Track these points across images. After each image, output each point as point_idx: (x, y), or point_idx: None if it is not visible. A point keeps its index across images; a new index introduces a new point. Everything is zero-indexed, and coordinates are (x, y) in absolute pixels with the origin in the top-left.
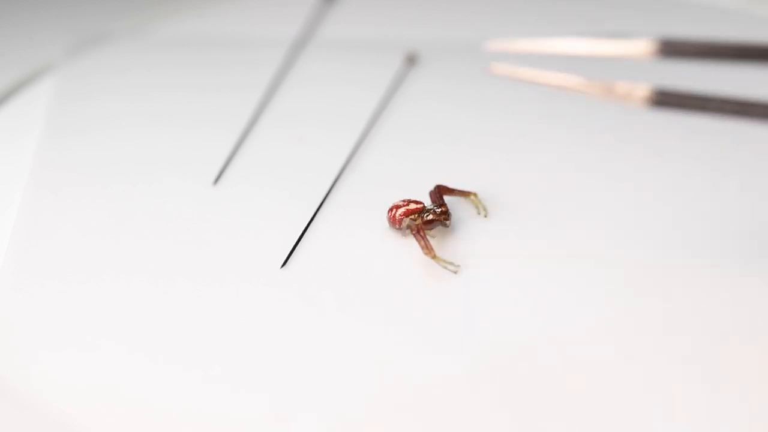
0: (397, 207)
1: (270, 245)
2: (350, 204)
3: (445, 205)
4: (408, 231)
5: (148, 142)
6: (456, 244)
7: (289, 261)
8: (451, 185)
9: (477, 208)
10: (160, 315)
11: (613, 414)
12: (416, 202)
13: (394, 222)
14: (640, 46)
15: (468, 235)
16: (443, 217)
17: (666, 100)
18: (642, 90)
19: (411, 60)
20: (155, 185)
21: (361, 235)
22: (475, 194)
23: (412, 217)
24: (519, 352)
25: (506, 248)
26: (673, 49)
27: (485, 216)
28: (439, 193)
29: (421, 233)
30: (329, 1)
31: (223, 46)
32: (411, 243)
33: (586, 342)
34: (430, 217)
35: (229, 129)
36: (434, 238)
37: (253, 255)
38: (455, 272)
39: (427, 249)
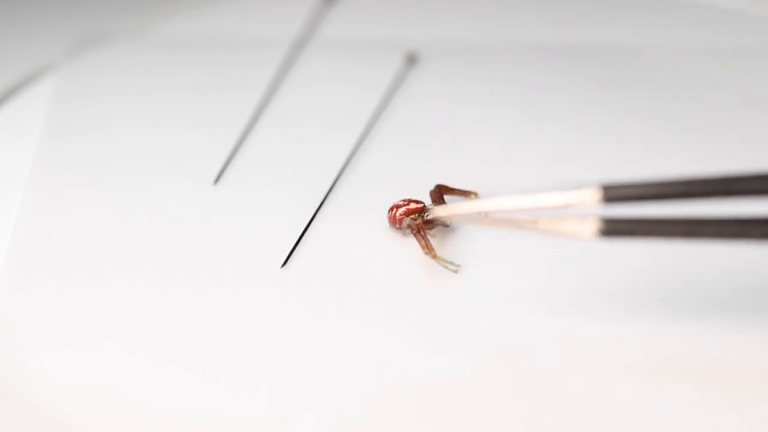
0: (398, 207)
1: (270, 245)
2: (350, 204)
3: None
4: (408, 231)
5: (148, 142)
6: (456, 244)
7: (289, 261)
8: (451, 185)
9: None
10: (160, 315)
11: (613, 414)
12: (416, 202)
13: (395, 222)
14: (586, 196)
15: (468, 235)
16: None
17: (616, 229)
18: (591, 223)
19: (411, 60)
20: (155, 185)
21: (361, 235)
22: (475, 194)
23: (413, 216)
24: (519, 352)
25: (506, 248)
26: (618, 195)
27: (485, 216)
28: (440, 192)
29: (422, 233)
30: (329, 1)
31: (223, 46)
32: (411, 243)
33: (587, 342)
34: (431, 216)
35: (229, 129)
36: (434, 237)
37: (253, 255)
38: (455, 272)
39: (428, 249)
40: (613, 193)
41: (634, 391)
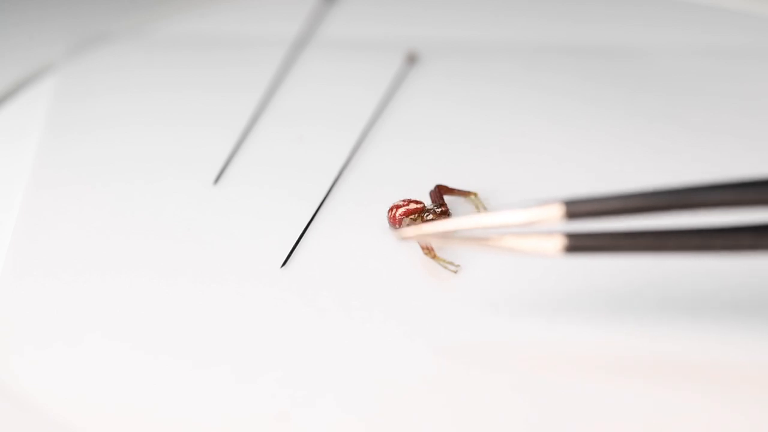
0: (398, 207)
1: (270, 244)
2: (350, 203)
3: (446, 204)
4: None
5: (148, 141)
6: None
7: (289, 260)
8: (451, 185)
9: (477, 208)
10: (160, 314)
11: (613, 417)
12: (416, 202)
13: (395, 222)
14: (549, 212)
15: (468, 235)
16: (443, 217)
17: (581, 245)
18: (556, 240)
19: (411, 59)
20: (156, 184)
21: (362, 235)
22: (475, 194)
23: (413, 216)
24: (519, 352)
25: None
26: (580, 210)
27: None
28: (440, 192)
29: None
30: (329, 1)
31: (224, 45)
32: (411, 243)
33: (588, 343)
34: (431, 217)
35: (230, 128)
36: None
37: (253, 254)
38: (455, 272)
39: (427, 249)
40: (576, 209)
41: (633, 391)
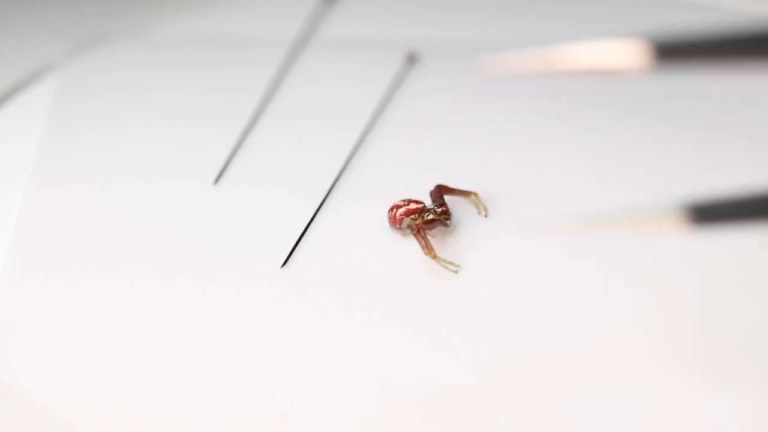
0: (398, 207)
1: (270, 245)
2: (351, 203)
3: (446, 204)
4: (408, 231)
5: (149, 142)
6: (456, 244)
7: (289, 260)
8: (451, 185)
9: (477, 207)
10: (161, 314)
11: (614, 419)
12: (417, 202)
13: (395, 222)
14: (635, 50)
15: (468, 235)
16: (444, 216)
17: (705, 217)
18: (674, 216)
19: (411, 59)
20: (156, 184)
21: (362, 235)
22: (475, 194)
23: (413, 216)
24: (518, 353)
25: (506, 248)
26: (670, 52)
27: (485, 216)
28: (440, 192)
29: (422, 233)
30: (329, 1)
31: (224, 45)
32: (411, 243)
33: (586, 343)
34: (431, 216)
35: (230, 128)
36: (434, 237)
37: (253, 254)
38: (455, 272)
39: (428, 249)
40: (666, 49)
41: (635, 394)
